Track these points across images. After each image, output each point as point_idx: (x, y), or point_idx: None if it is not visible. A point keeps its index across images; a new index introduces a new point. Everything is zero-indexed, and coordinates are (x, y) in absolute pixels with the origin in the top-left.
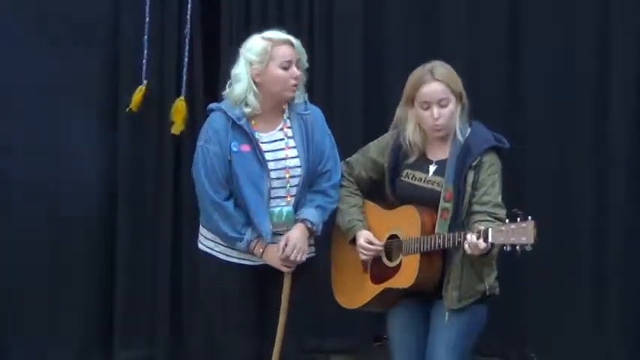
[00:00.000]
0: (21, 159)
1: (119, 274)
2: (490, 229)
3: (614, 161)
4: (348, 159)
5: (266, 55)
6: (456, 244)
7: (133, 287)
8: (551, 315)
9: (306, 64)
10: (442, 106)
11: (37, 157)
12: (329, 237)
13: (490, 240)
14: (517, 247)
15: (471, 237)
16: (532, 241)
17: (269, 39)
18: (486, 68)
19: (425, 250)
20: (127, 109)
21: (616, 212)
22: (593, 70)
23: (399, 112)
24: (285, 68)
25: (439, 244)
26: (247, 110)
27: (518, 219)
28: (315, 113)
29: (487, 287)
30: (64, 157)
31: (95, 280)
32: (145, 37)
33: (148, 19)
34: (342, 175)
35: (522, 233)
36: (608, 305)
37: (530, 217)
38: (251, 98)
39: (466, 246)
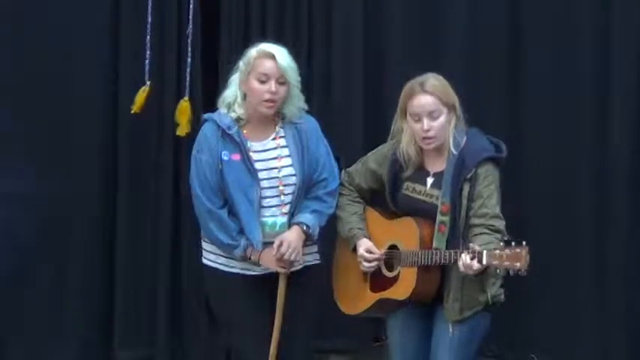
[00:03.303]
0: (21, 159)
1: (119, 274)
2: (485, 252)
3: (615, 161)
4: (348, 169)
5: (249, 66)
6: (452, 261)
7: (133, 287)
8: (551, 316)
9: (296, 82)
10: (433, 119)
11: (38, 156)
12: (332, 243)
13: (484, 262)
14: (510, 273)
15: (465, 257)
16: (525, 267)
17: (257, 50)
18: (487, 69)
19: (422, 264)
20: (132, 112)
21: (617, 213)
22: (593, 70)
23: (394, 124)
24: (262, 82)
25: (436, 260)
26: (234, 115)
27: (513, 243)
28: (310, 122)
29: (489, 297)
30: (64, 157)
31: (95, 280)
32: (148, 37)
33: (150, 19)
34: (343, 184)
35: (516, 259)
36: (609, 306)
37: (524, 243)
38: (237, 105)
39: (460, 265)
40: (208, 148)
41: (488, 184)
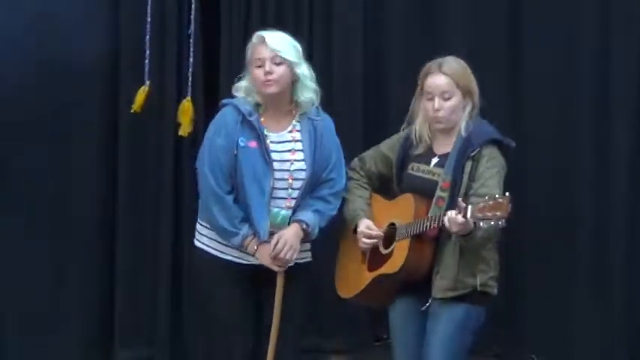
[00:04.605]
0: (21, 160)
1: (119, 274)
2: (470, 206)
3: (615, 160)
4: (361, 154)
5: (248, 58)
6: (440, 222)
7: (133, 287)
8: (551, 315)
9: (293, 56)
10: (444, 99)
11: (38, 158)
12: (334, 235)
13: (469, 215)
14: (491, 222)
15: (451, 212)
16: (505, 215)
17: (252, 41)
18: (487, 68)
19: (414, 233)
20: (132, 111)
21: (617, 212)
22: (594, 70)
23: (412, 105)
24: (259, 66)
25: (426, 226)
26: (252, 101)
27: (497, 196)
28: (327, 121)
29: (478, 283)
30: (64, 157)
31: (95, 280)
32: (147, 37)
33: (149, 19)
34: (354, 169)
35: (497, 208)
36: (609, 305)
37: (507, 193)
38: (252, 93)
39: (446, 220)
40: (226, 132)
41: (491, 166)
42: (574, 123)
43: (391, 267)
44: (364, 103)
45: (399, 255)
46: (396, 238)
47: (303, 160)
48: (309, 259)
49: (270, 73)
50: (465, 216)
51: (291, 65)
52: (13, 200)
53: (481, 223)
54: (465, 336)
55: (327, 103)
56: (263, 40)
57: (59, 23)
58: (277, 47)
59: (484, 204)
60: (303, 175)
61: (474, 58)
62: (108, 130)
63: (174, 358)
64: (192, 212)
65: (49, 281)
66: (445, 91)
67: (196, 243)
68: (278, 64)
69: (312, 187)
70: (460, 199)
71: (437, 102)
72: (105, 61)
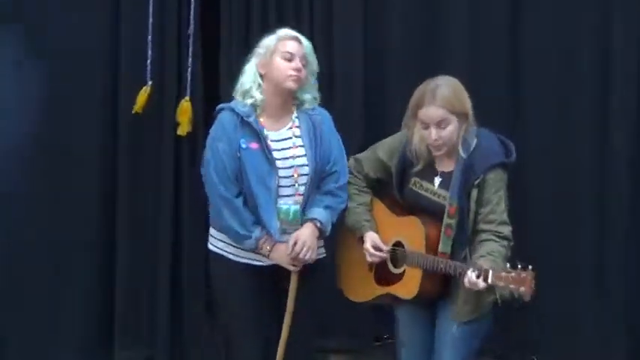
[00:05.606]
0: (22, 160)
1: (119, 274)
2: (491, 271)
3: (616, 162)
4: (357, 155)
5: (270, 48)
6: (457, 275)
7: (133, 287)
8: (551, 317)
9: (315, 68)
10: (441, 128)
11: (37, 159)
12: (335, 235)
13: (489, 282)
14: (515, 295)
15: (471, 274)
16: (530, 292)
17: (277, 34)
18: (487, 68)
19: (426, 269)
20: (134, 112)
21: (618, 214)
22: (594, 70)
23: (405, 121)
24: (288, 60)
25: (441, 269)
26: (251, 101)
27: (519, 266)
28: (323, 114)
29: (498, 298)
30: (64, 157)
31: (95, 280)
32: (149, 37)
33: (151, 19)
34: (351, 172)
35: (521, 282)
36: (609, 306)
37: (530, 267)
38: (255, 90)
39: (465, 281)
40: (226, 136)
41: (496, 190)
42: (575, 123)
43: (405, 292)
44: (364, 102)
45: (412, 282)
46: (407, 263)
47: (304, 156)
48: (324, 255)
49: (300, 70)
50: (485, 280)
51: (310, 70)
52: (13, 200)
53: (502, 292)
54: (476, 339)
55: (328, 102)
56: (296, 39)
57: (60, 24)
58: (309, 51)
59: (506, 274)
60: (306, 170)
61: (475, 58)
62: (108, 130)
63: (174, 358)
64: (192, 212)
65: (49, 281)
66: (441, 121)
67: (211, 247)
68: (304, 66)
69: (318, 181)
70: (479, 263)
71: (434, 132)
72: (105, 61)
